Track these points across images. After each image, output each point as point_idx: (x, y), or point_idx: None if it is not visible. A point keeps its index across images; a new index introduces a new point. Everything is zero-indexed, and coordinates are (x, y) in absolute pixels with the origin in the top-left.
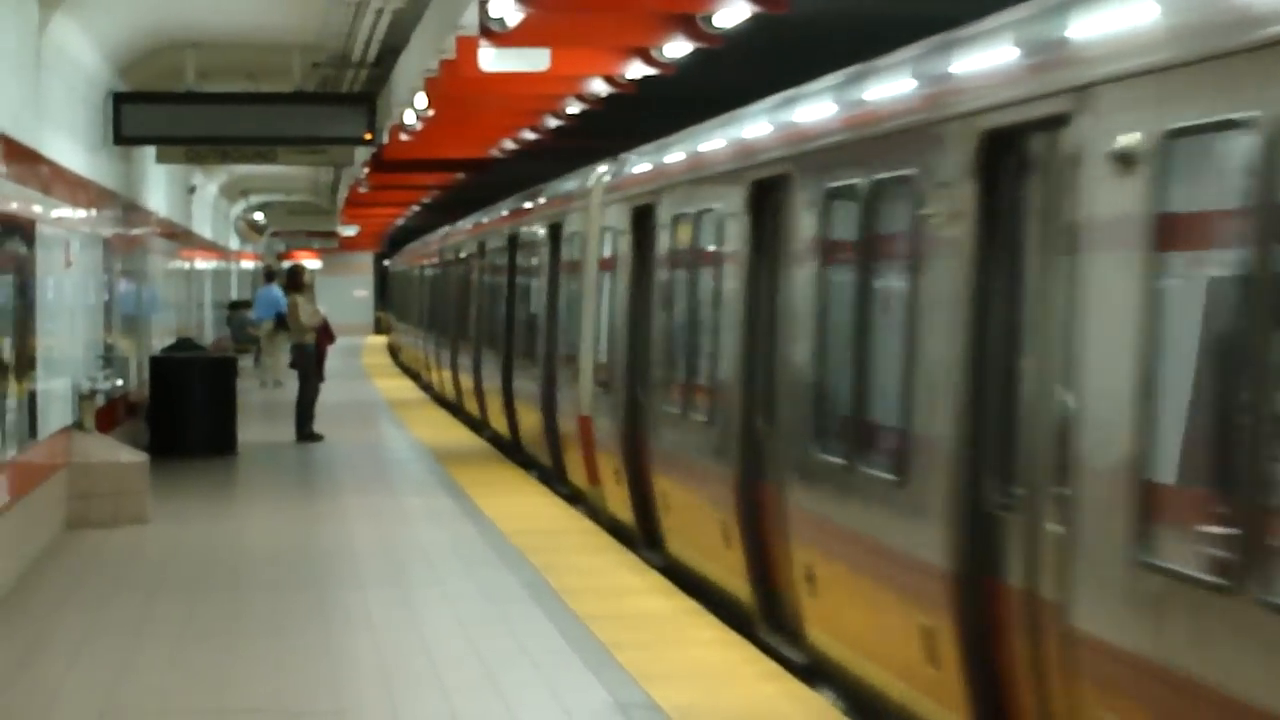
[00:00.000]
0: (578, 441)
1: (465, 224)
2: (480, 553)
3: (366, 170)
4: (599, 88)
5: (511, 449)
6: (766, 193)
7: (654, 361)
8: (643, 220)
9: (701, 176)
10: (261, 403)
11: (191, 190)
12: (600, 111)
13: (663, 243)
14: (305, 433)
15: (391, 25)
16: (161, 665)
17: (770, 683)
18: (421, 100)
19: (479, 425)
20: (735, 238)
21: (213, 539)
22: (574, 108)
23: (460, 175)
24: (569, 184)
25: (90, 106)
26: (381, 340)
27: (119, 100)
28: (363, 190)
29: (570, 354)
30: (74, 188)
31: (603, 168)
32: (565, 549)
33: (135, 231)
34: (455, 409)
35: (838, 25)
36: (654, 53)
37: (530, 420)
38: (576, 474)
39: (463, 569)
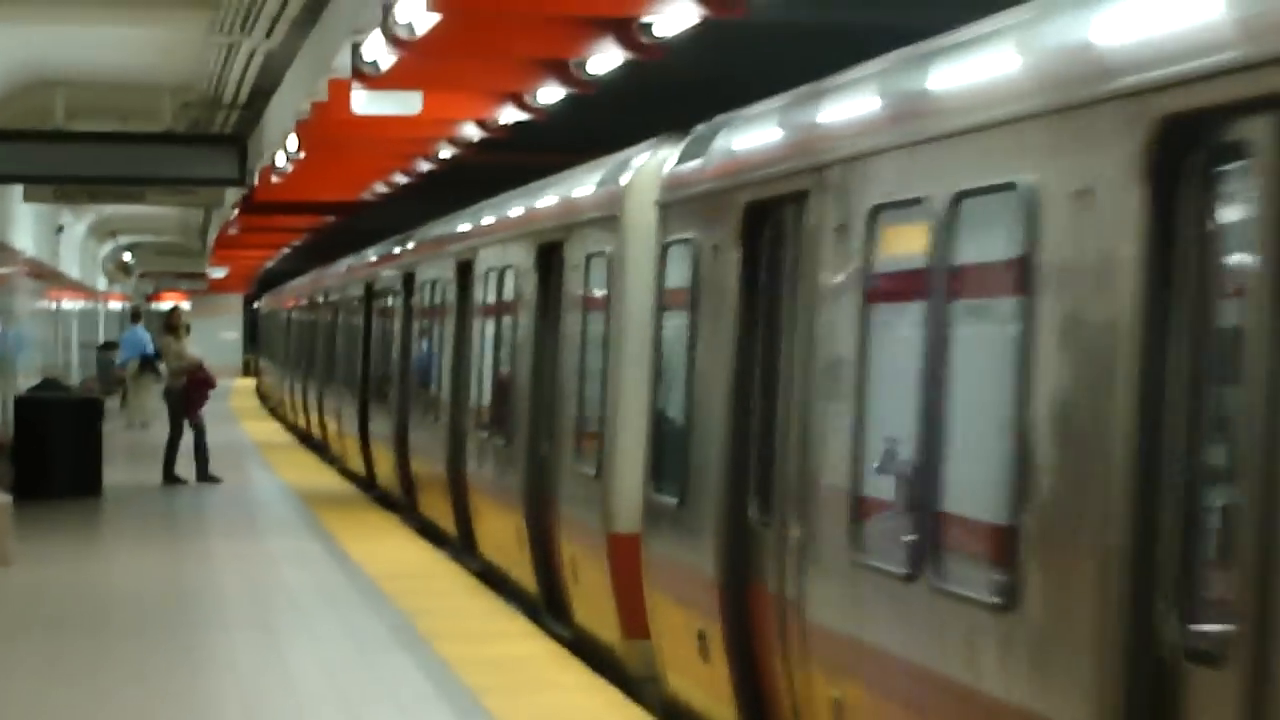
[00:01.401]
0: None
1: (333, 268)
2: (347, 596)
3: (236, 212)
4: (471, 132)
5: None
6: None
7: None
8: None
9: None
10: (128, 444)
11: (59, 230)
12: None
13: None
14: (200, 474)
15: (263, 67)
16: (23, 709)
17: None
18: (293, 142)
19: (366, 474)
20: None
21: (77, 581)
22: (446, 152)
23: (331, 218)
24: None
25: None
26: (251, 383)
27: None
28: (232, 232)
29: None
30: None
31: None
32: (433, 593)
33: (0, 271)
34: (324, 451)
35: (708, 75)
36: (527, 98)
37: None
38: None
39: (329, 613)
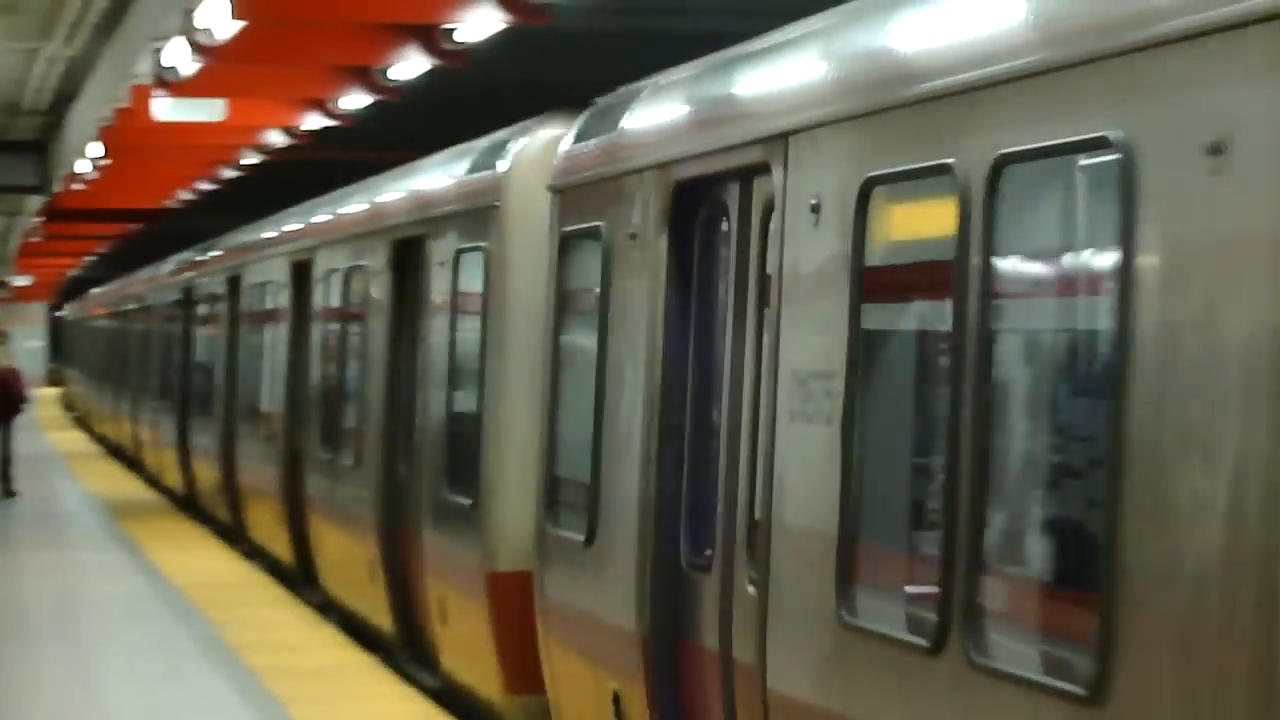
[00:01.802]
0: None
1: (144, 274)
2: (155, 608)
3: (39, 219)
4: (276, 139)
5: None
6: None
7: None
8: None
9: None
10: None
11: None
12: (276, 162)
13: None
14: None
15: (65, 72)
16: None
17: None
18: (95, 149)
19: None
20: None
21: None
22: (251, 158)
23: (137, 225)
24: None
25: None
26: (56, 392)
27: None
28: (35, 240)
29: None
30: None
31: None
32: (242, 603)
33: None
34: (135, 463)
35: (513, 80)
36: (331, 104)
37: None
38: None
39: (137, 625)
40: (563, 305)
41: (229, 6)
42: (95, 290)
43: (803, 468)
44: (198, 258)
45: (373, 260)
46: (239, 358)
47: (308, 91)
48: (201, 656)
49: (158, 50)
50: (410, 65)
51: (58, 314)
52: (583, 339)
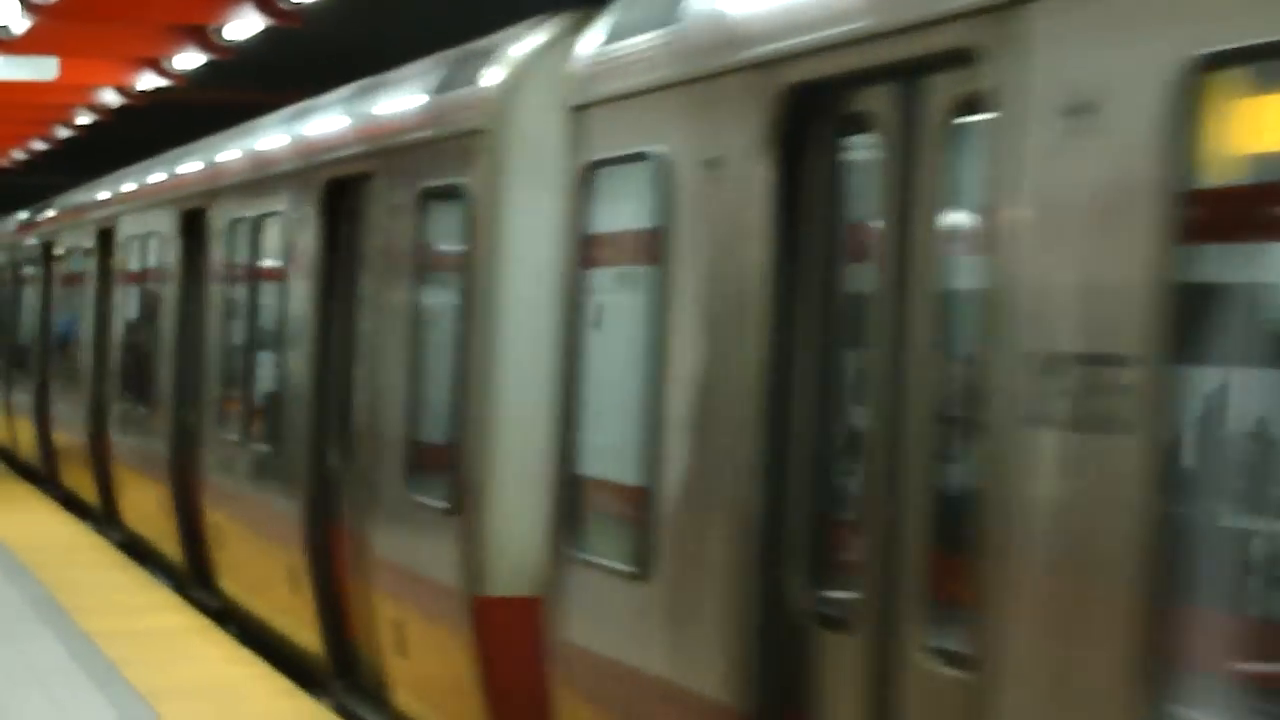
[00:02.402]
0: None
1: None
2: None
3: None
4: (111, 98)
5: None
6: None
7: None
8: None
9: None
10: None
11: None
12: (111, 122)
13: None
14: None
15: None
16: None
17: (285, 699)
18: None
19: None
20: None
21: None
22: (85, 118)
23: None
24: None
25: None
26: None
27: None
28: None
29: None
30: None
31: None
32: (76, 565)
33: None
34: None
35: (349, 42)
36: (165, 64)
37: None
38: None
39: None
40: (588, 255)
41: None
42: None
43: (1066, 494)
44: (61, 208)
45: (291, 206)
46: (119, 322)
47: (142, 50)
48: (34, 619)
49: None
50: (245, 24)
51: None
52: (624, 298)
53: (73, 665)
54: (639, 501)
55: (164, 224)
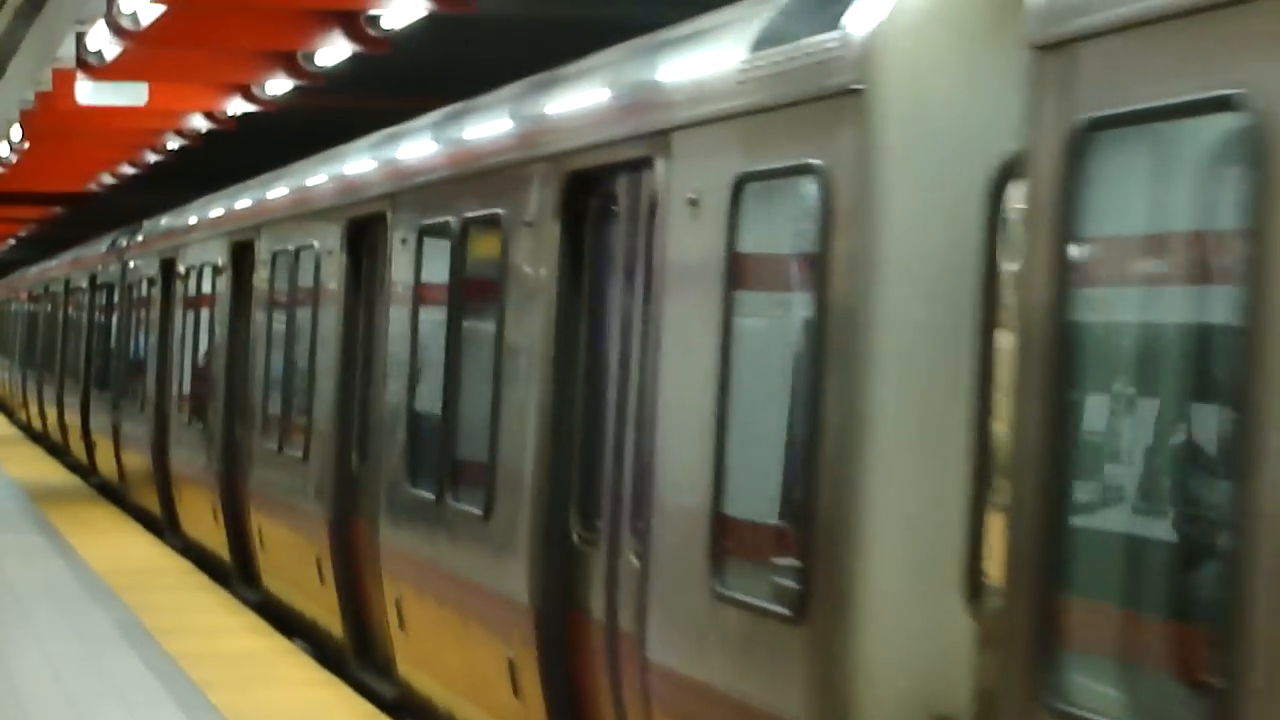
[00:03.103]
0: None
1: (63, 258)
2: (72, 591)
3: None
4: (199, 123)
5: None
6: (362, 232)
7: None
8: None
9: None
10: None
11: None
12: (200, 147)
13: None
14: None
15: None
16: None
17: None
18: (17, 132)
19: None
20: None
21: None
22: (174, 143)
23: (57, 209)
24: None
25: None
26: None
27: None
28: None
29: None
30: None
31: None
32: (159, 588)
33: None
34: (57, 446)
35: (442, 62)
36: (255, 89)
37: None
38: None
39: (54, 608)
40: (1098, 261)
41: None
42: (15, 273)
43: None
44: (176, 224)
45: (520, 208)
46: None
47: (231, 76)
48: (120, 641)
49: (81, 33)
50: (333, 51)
51: None
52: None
53: (159, 688)
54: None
55: (325, 238)
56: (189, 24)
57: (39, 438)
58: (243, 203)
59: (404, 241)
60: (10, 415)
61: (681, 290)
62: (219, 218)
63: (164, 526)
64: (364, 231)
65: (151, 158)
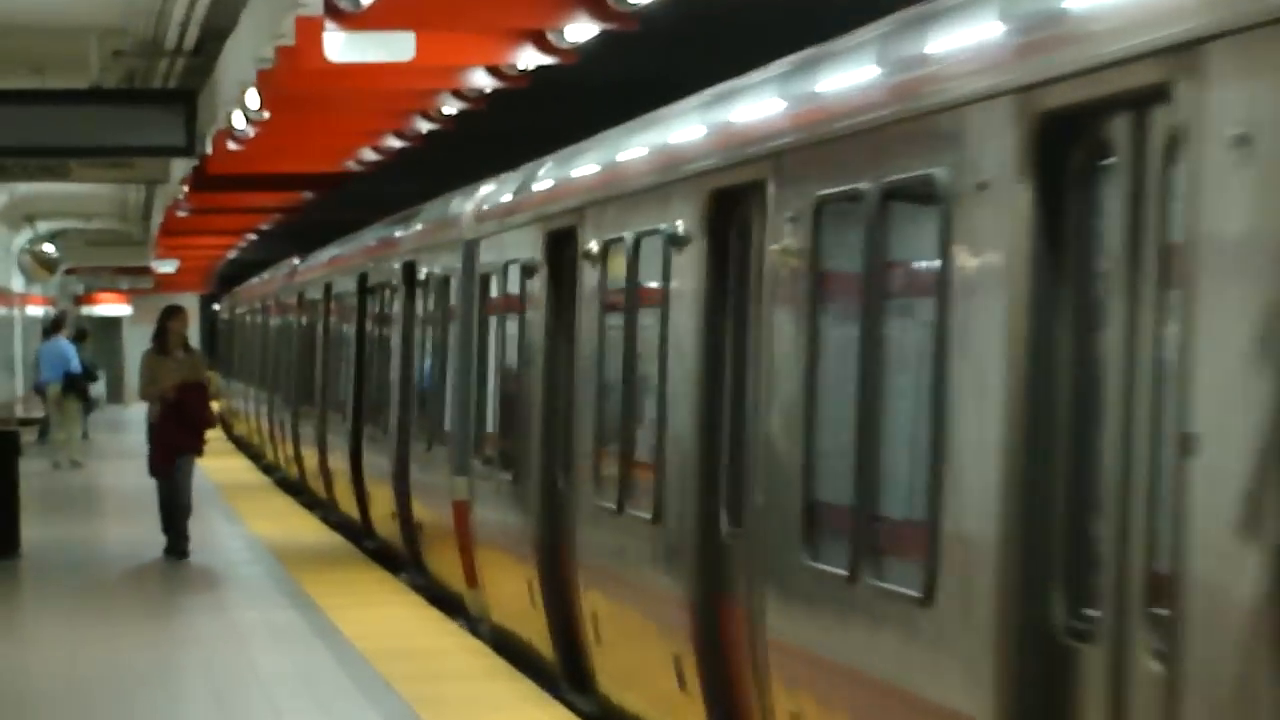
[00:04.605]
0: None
1: (317, 256)
2: (336, 683)
3: (186, 189)
4: (482, 81)
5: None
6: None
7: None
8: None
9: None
10: (53, 489)
11: None
12: (483, 112)
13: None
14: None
15: (214, 3)
16: None
17: None
18: (254, 98)
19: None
20: None
21: None
22: (450, 107)
23: (307, 194)
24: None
25: None
26: (213, 406)
27: None
28: (182, 214)
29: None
30: None
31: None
32: (443, 675)
33: None
34: (310, 496)
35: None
36: (551, 36)
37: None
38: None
39: (313, 705)
40: None
41: None
42: (254, 278)
43: None
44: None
45: (958, 163)
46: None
47: (520, 20)
48: None
49: None
50: None
51: (213, 307)
52: None
53: None
54: None
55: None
56: None
57: (292, 487)
58: (562, 179)
59: (794, 220)
60: (256, 458)
61: (1223, 271)
62: (528, 199)
63: (465, 604)
64: (731, 208)
65: (424, 126)
